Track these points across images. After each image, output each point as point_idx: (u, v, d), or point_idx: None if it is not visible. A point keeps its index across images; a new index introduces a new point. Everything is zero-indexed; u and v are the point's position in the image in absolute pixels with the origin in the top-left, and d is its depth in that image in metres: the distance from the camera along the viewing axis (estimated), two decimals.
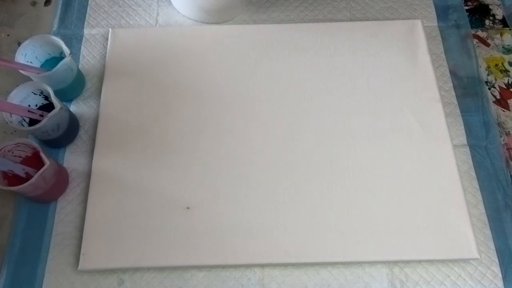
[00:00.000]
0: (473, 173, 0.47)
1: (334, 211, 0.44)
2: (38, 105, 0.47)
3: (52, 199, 0.46)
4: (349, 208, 0.44)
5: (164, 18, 0.56)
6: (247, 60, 0.52)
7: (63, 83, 0.48)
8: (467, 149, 0.48)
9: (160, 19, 0.56)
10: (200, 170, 0.46)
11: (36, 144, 0.41)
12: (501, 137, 0.49)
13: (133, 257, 0.42)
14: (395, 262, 0.43)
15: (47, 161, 0.40)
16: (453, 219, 0.43)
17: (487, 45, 0.54)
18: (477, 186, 0.46)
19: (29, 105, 0.46)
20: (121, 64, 0.52)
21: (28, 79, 0.46)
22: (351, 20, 0.56)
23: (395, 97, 0.49)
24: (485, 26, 0.55)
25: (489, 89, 0.52)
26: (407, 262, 0.43)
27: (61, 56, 0.48)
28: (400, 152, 0.46)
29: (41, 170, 0.40)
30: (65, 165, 0.48)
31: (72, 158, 0.48)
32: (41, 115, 0.43)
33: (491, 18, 0.57)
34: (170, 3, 0.56)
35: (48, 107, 0.46)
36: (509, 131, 0.49)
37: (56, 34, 0.52)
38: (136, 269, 0.43)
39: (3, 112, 0.42)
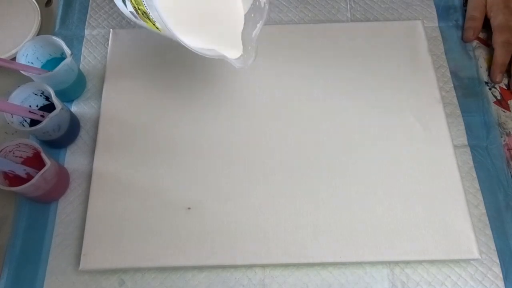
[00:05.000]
0: (474, 174, 0.47)
1: (335, 212, 0.44)
2: (39, 106, 0.48)
3: (53, 200, 0.46)
4: (350, 208, 0.44)
5: None
6: None
7: (64, 84, 0.48)
8: (467, 150, 0.48)
9: None
10: (201, 171, 0.46)
11: (37, 145, 0.41)
12: (501, 137, 0.49)
13: (134, 258, 0.42)
14: (396, 263, 0.43)
15: (48, 162, 0.40)
16: (454, 220, 0.43)
17: (488, 45, 0.54)
18: (478, 187, 0.46)
19: (30, 106, 0.46)
20: (122, 65, 0.52)
21: (29, 79, 0.46)
22: (351, 21, 0.56)
23: (396, 98, 0.49)
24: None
25: (490, 89, 0.52)
26: (408, 262, 0.43)
27: (62, 57, 0.49)
28: (400, 152, 0.46)
29: (42, 171, 0.40)
30: (66, 165, 0.48)
31: (73, 159, 0.48)
32: (42, 116, 0.43)
33: None
34: None
35: (49, 107, 0.46)
36: (509, 132, 0.49)
37: (57, 35, 0.52)
38: (137, 270, 0.43)
39: (4, 113, 0.42)
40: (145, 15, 0.38)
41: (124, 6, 0.41)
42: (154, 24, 0.39)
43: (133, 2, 0.38)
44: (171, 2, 0.39)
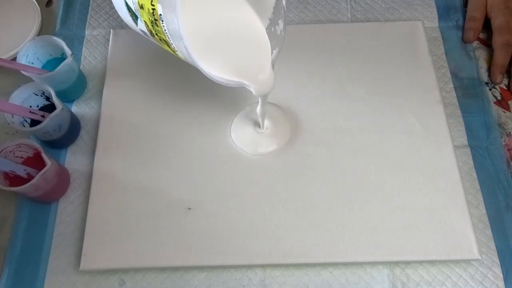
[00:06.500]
0: (474, 174, 0.47)
1: (335, 212, 0.44)
2: (40, 106, 0.48)
3: (54, 200, 0.46)
4: (350, 208, 0.44)
5: None
6: None
7: (64, 84, 0.48)
8: (468, 150, 0.48)
9: None
10: (202, 171, 0.46)
11: (37, 145, 0.41)
12: (502, 138, 0.49)
13: (134, 258, 0.42)
14: (396, 263, 0.43)
15: (48, 162, 0.40)
16: (454, 220, 0.43)
17: (488, 46, 0.54)
18: (478, 187, 0.46)
19: (30, 106, 0.46)
20: (123, 65, 0.52)
21: (29, 80, 0.46)
22: (352, 21, 0.56)
23: (396, 98, 0.49)
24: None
25: (490, 90, 0.52)
26: (408, 262, 0.43)
27: (62, 57, 0.49)
28: (401, 153, 0.46)
29: (42, 171, 0.40)
30: (66, 165, 0.48)
31: (73, 159, 0.48)
32: (43, 116, 0.44)
33: None
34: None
35: (49, 108, 0.46)
36: (510, 132, 0.49)
37: (57, 35, 0.52)
38: (137, 270, 0.43)
39: (5, 113, 0.43)
40: (164, 42, 0.37)
41: (133, 23, 0.39)
42: (173, 51, 0.37)
43: (150, 27, 0.36)
44: (196, 32, 0.37)
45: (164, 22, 0.34)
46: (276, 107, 0.49)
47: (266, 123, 0.47)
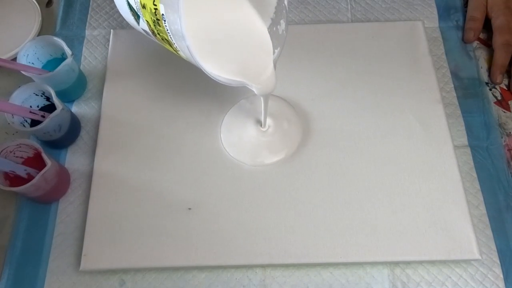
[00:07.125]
0: (474, 174, 0.47)
1: (335, 212, 0.44)
2: (40, 106, 0.48)
3: (54, 200, 0.46)
4: (350, 208, 0.44)
5: None
6: None
7: (64, 84, 0.48)
8: (468, 150, 0.48)
9: None
10: (202, 171, 0.46)
11: (37, 145, 0.41)
12: (502, 138, 0.49)
13: (134, 258, 0.42)
14: (397, 263, 0.43)
15: (48, 162, 0.40)
16: (454, 220, 0.43)
17: (488, 46, 0.54)
18: (478, 187, 0.46)
19: (30, 106, 0.46)
20: (123, 65, 0.52)
21: (29, 80, 0.46)
22: (352, 21, 0.56)
23: (396, 98, 0.49)
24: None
25: (490, 90, 0.52)
26: (408, 263, 0.43)
27: (62, 57, 0.49)
28: (401, 153, 0.46)
29: (42, 171, 0.40)
30: (66, 165, 0.48)
31: (73, 159, 0.48)
32: (43, 116, 0.44)
33: None
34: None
35: (49, 108, 0.46)
36: (510, 132, 0.49)
37: (57, 35, 0.52)
38: (137, 270, 0.43)
39: (5, 113, 0.43)
40: (166, 41, 0.37)
41: (135, 22, 0.39)
42: (175, 51, 0.37)
43: (152, 26, 0.36)
44: (198, 32, 0.37)
45: (166, 22, 0.34)
46: (287, 105, 0.48)
47: (269, 121, 0.47)
